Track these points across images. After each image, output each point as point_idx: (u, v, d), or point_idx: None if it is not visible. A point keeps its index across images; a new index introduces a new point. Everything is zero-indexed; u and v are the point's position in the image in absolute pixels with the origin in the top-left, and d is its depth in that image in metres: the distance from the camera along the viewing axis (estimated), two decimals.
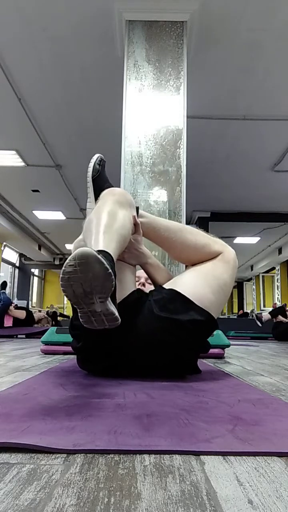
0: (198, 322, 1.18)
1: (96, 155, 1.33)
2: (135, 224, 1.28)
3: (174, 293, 1.21)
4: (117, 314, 0.90)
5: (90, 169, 1.29)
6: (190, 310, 1.18)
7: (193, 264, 1.35)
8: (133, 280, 1.31)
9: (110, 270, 0.83)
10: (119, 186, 2.42)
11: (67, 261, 0.82)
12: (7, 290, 10.08)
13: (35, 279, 13.27)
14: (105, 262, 0.82)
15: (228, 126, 4.39)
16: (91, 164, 1.30)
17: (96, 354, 1.23)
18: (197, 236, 1.36)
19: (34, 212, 7.82)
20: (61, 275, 0.83)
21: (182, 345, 1.19)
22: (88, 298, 0.85)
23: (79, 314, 0.90)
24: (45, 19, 2.86)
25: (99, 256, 0.82)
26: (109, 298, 0.88)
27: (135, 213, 1.26)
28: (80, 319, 0.90)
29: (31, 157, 5.30)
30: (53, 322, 6.86)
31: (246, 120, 4.22)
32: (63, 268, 0.83)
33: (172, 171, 2.46)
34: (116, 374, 1.24)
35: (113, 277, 0.85)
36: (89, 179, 1.28)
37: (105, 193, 1.20)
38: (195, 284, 1.25)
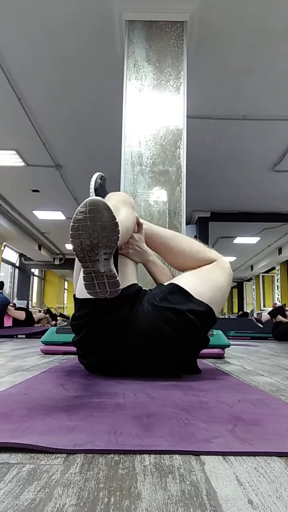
0: (197, 312, 1.20)
1: (97, 173, 1.46)
2: (138, 224, 1.38)
3: (174, 286, 1.26)
4: (118, 278, 0.93)
5: (92, 182, 1.42)
6: (189, 302, 1.22)
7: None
8: (135, 275, 1.35)
9: (117, 221, 0.88)
10: (119, 186, 2.42)
11: (78, 208, 0.85)
12: (7, 290, 10.10)
13: (35, 279, 13.27)
14: (113, 211, 0.86)
15: (228, 126, 4.39)
16: (93, 178, 1.43)
17: (96, 346, 1.22)
18: (192, 243, 1.45)
19: (34, 212, 7.82)
20: (71, 224, 0.86)
21: (181, 338, 1.19)
22: (94, 253, 0.89)
23: (82, 276, 0.93)
24: (45, 19, 2.86)
25: (108, 204, 0.86)
26: (112, 259, 0.92)
27: (137, 215, 1.35)
28: (84, 282, 0.93)
29: (31, 157, 5.30)
30: (52, 319, 7.24)
31: (246, 120, 4.22)
32: (73, 216, 0.86)
33: (172, 171, 2.45)
34: (116, 370, 1.24)
35: (118, 229, 0.89)
36: (92, 190, 1.41)
37: (109, 194, 1.32)
38: (194, 282, 1.30)
